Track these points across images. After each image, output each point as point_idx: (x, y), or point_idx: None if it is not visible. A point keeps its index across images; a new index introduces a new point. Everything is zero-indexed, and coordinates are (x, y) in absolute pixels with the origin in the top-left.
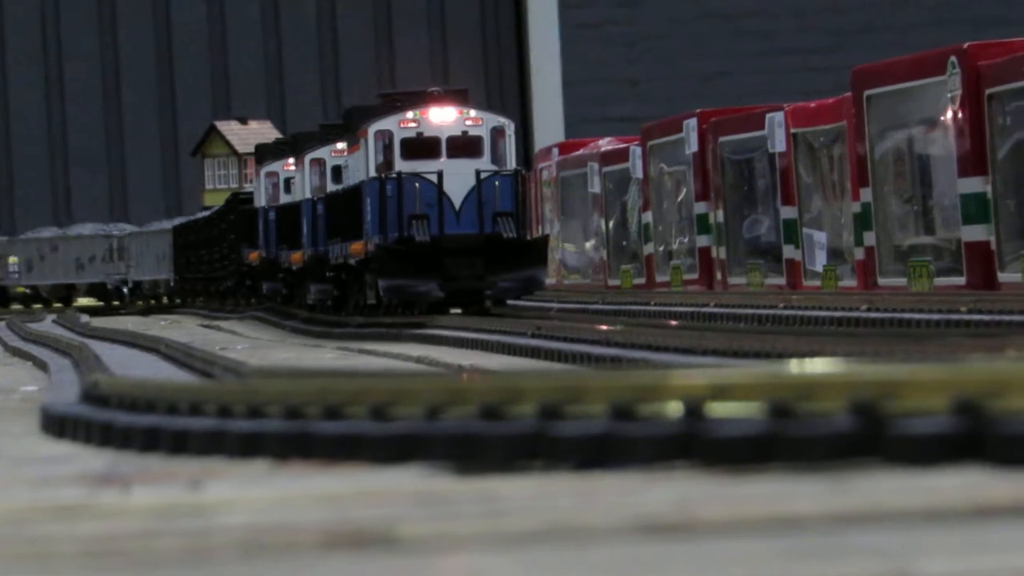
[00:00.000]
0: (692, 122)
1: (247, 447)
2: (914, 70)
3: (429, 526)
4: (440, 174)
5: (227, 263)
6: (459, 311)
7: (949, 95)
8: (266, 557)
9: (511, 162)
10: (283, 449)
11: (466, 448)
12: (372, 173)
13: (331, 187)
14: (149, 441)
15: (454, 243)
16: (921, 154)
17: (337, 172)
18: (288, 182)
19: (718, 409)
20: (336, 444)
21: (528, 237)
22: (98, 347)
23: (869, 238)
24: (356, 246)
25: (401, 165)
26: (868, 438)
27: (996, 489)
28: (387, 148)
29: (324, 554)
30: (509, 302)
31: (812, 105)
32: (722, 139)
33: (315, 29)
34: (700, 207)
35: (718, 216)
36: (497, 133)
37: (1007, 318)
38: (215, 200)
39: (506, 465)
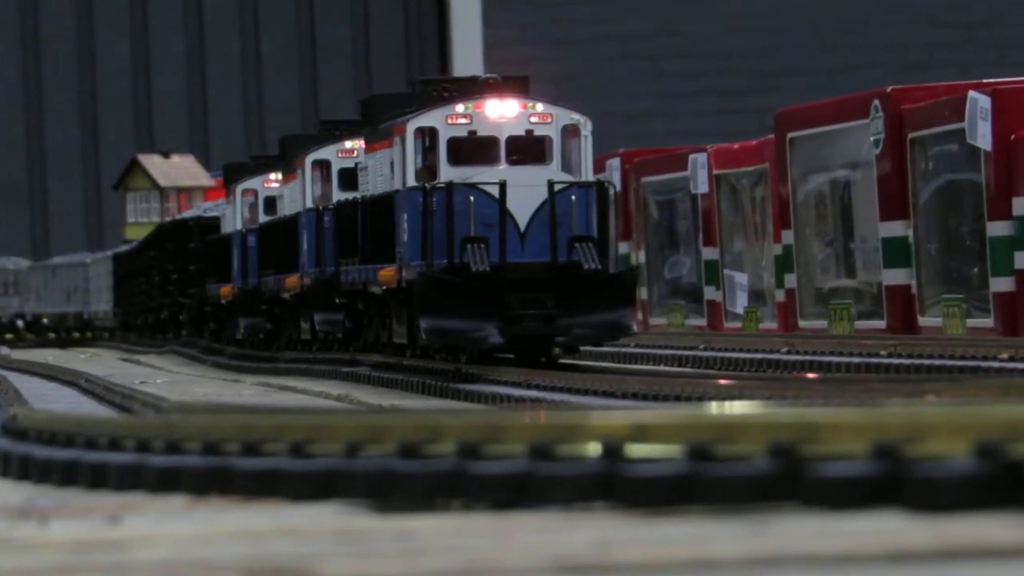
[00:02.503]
0: (615, 162)
1: (166, 482)
2: (837, 113)
3: (348, 564)
4: (503, 185)
5: (177, 295)
6: (507, 355)
7: (872, 139)
8: None
9: (587, 171)
10: (202, 484)
11: (385, 486)
12: (410, 181)
13: (337, 194)
14: (68, 475)
15: (518, 274)
16: (843, 197)
17: (348, 177)
18: (270, 201)
19: (637, 450)
20: (255, 480)
21: (612, 269)
22: (17, 380)
23: (790, 280)
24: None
25: (448, 172)
26: (786, 481)
27: (913, 534)
28: (428, 150)
29: None
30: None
31: (735, 147)
32: (644, 179)
33: (239, 63)
34: (622, 247)
35: (640, 256)
36: (569, 132)
37: (927, 362)
38: (137, 234)
39: (425, 503)
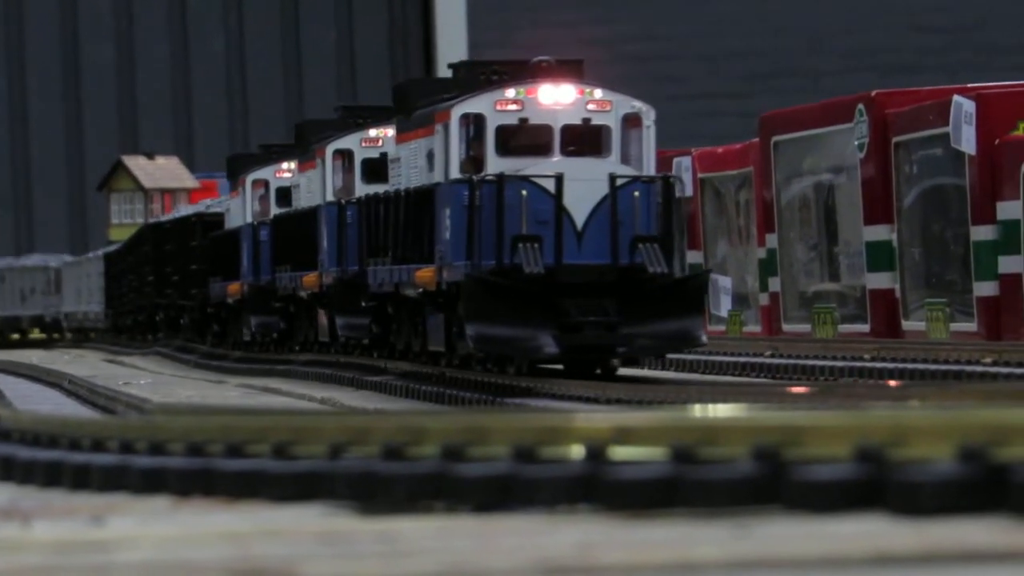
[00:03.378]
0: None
1: (149, 483)
2: (822, 117)
3: (330, 566)
4: (559, 178)
5: (176, 297)
6: (556, 367)
7: (856, 143)
8: None
9: (649, 165)
10: (185, 485)
11: (369, 487)
12: (454, 173)
13: (360, 187)
14: (51, 476)
15: (576, 277)
16: (827, 201)
17: (372, 168)
18: (284, 192)
19: (620, 453)
20: (238, 481)
21: (679, 272)
22: (1, 381)
23: (774, 284)
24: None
25: (496, 164)
26: (770, 484)
27: (897, 537)
28: (474, 139)
29: None
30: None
31: (719, 150)
32: None
33: (223, 65)
34: None
35: None
36: (630, 122)
37: (910, 366)
38: (121, 235)
39: (408, 505)
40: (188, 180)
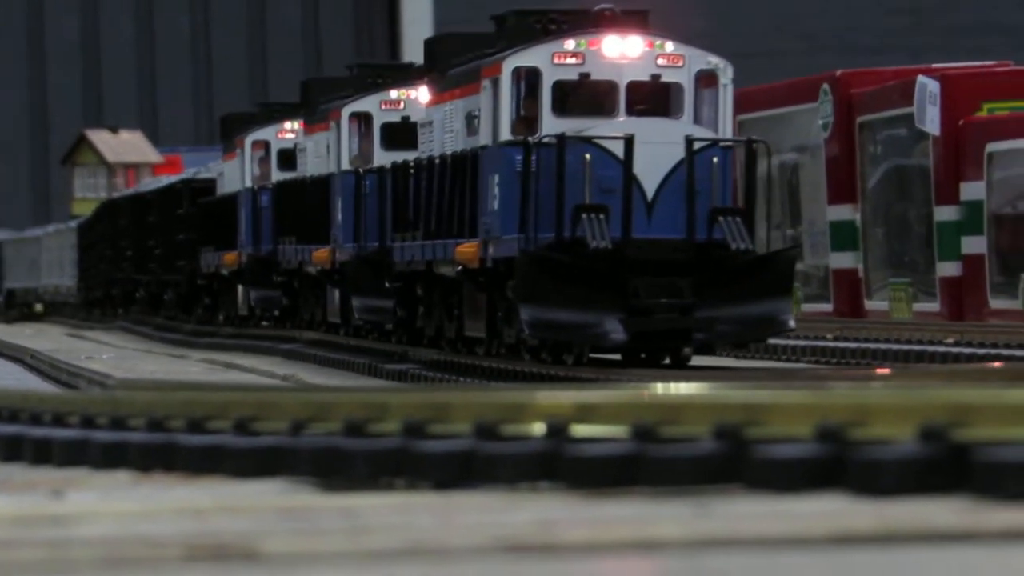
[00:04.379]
0: None
1: (110, 458)
2: (787, 96)
3: (292, 542)
4: (629, 141)
5: (160, 272)
6: (611, 356)
7: (820, 122)
8: (127, 570)
9: (725, 128)
10: (146, 460)
11: (330, 463)
12: (504, 135)
13: (379, 155)
14: (11, 450)
15: (647, 253)
16: (791, 180)
17: (393, 133)
18: (286, 154)
19: (582, 430)
20: (200, 456)
21: (762, 249)
22: None
23: None
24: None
25: (552, 124)
26: (731, 462)
27: (857, 516)
28: (527, 97)
29: (186, 568)
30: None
31: None
32: None
33: (188, 41)
34: None
35: None
36: (703, 80)
37: (872, 346)
38: (84, 209)
39: (370, 481)
40: (151, 154)
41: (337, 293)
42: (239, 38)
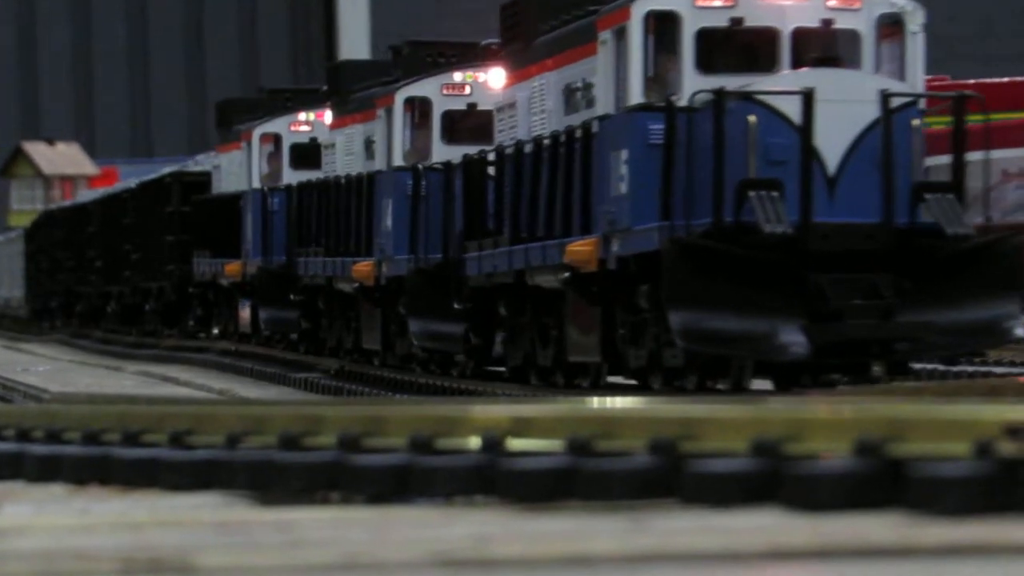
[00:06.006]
0: None
1: (45, 471)
2: None
3: (227, 556)
4: (809, 97)
5: (139, 279)
6: (773, 375)
7: None
8: None
9: (916, 83)
10: (82, 473)
11: (266, 477)
12: (636, 98)
13: (440, 148)
14: None
15: (833, 243)
16: None
17: (454, 123)
18: (303, 150)
19: (518, 444)
20: (135, 469)
21: (983, 236)
22: None
23: None
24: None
25: (695, 82)
26: (666, 477)
27: (792, 532)
28: (662, 52)
29: None
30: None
31: None
32: None
33: (125, 53)
34: None
35: None
36: (886, 27)
37: None
38: (21, 221)
39: (305, 495)
40: (88, 166)
41: (372, 312)
42: (176, 50)
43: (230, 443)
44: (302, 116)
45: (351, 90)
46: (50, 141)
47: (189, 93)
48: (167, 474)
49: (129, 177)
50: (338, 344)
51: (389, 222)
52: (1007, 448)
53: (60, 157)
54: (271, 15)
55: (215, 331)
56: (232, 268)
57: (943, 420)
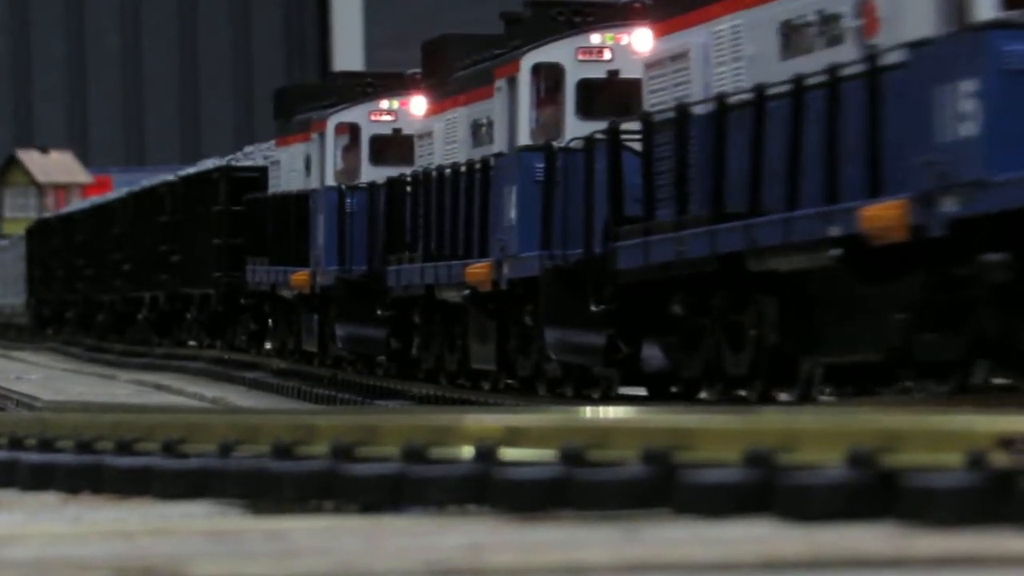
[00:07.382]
0: None
1: (38, 479)
2: None
3: (219, 565)
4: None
5: (179, 284)
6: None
7: None
8: None
9: None
10: (75, 482)
11: (259, 486)
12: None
13: (574, 124)
14: None
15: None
16: None
17: (591, 96)
18: (384, 141)
19: (511, 454)
20: (128, 478)
21: None
22: None
23: None
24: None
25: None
26: (659, 487)
27: (785, 542)
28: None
29: None
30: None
31: None
32: None
33: (119, 61)
34: None
35: None
36: None
37: None
38: (14, 229)
39: (298, 504)
40: (81, 175)
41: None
42: (170, 57)
43: (223, 452)
44: (384, 104)
45: (454, 68)
46: (44, 149)
47: (182, 100)
48: (160, 483)
49: (123, 186)
50: (438, 365)
51: (513, 214)
52: (1000, 459)
53: (54, 165)
54: (265, 25)
55: (268, 346)
56: (299, 278)
57: (936, 431)
